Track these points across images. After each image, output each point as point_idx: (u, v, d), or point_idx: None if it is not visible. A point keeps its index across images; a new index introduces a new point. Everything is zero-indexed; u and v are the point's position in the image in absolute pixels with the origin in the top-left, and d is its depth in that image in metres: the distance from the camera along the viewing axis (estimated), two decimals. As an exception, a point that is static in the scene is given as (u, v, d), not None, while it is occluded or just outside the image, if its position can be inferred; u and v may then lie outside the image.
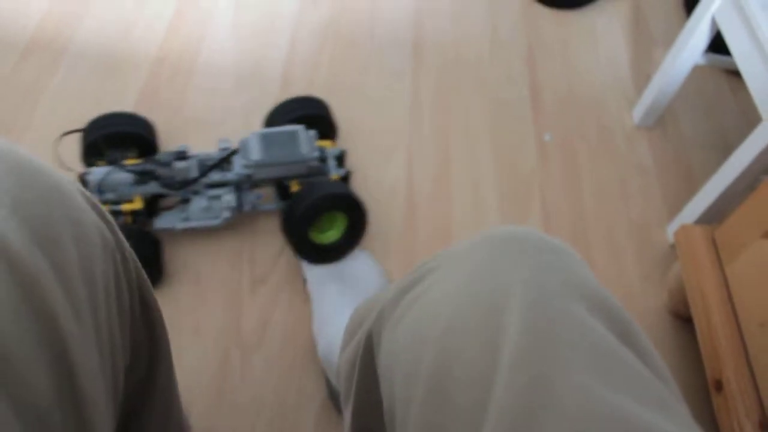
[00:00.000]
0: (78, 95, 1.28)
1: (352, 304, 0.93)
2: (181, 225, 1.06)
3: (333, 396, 0.95)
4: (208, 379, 0.97)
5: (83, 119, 1.08)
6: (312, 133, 1.09)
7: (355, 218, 1.05)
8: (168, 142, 1.22)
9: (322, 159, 1.10)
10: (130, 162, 1.06)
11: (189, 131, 1.25)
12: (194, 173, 1.05)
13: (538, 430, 0.35)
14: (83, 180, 1.04)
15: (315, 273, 1.04)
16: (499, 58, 1.49)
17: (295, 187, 1.07)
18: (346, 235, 1.06)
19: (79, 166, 1.08)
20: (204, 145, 1.22)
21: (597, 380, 0.37)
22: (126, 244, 0.47)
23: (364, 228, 1.06)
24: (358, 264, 1.06)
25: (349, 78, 1.40)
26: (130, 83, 1.31)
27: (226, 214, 1.06)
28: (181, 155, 1.06)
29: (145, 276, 0.51)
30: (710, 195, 1.11)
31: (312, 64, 1.40)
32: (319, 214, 1.01)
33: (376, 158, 1.26)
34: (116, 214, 1.03)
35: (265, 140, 1.06)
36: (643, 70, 1.52)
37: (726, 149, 1.13)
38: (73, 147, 1.09)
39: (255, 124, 1.27)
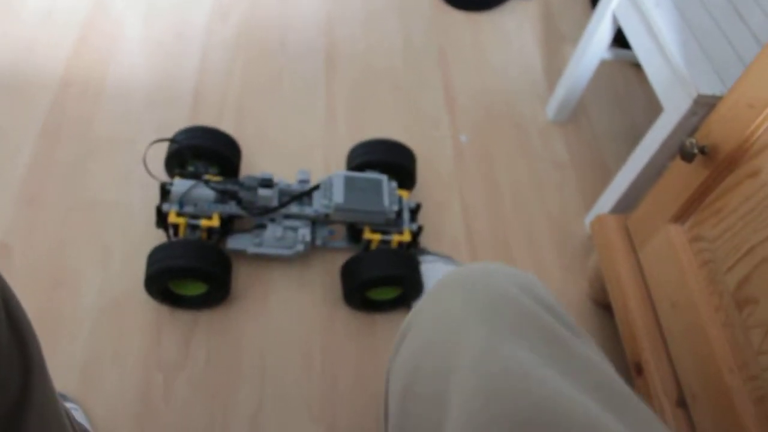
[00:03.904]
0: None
1: None
2: (253, 249, 1.06)
3: None
4: (131, 405, 0.94)
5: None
6: (394, 185, 1.10)
7: (408, 293, 1.06)
8: (75, 166, 1.18)
9: (398, 211, 1.10)
10: (211, 178, 1.05)
11: (98, 153, 1.21)
12: (275, 202, 1.05)
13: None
14: (165, 190, 1.03)
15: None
16: (412, 62, 1.51)
17: (367, 234, 1.08)
18: (396, 299, 1.07)
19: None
20: (110, 168, 1.19)
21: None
22: None
23: (416, 298, 1.08)
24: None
25: (262, 90, 1.38)
26: (36, 106, 1.26)
27: (300, 248, 1.06)
28: (267, 183, 1.05)
29: (11, 290, 0.48)
30: (622, 185, 1.14)
31: (224, 78, 1.38)
32: (379, 285, 1.03)
33: (290, 169, 1.25)
34: (194, 228, 1.03)
35: (349, 184, 1.06)
36: (554, 67, 1.55)
37: (637, 140, 1.16)
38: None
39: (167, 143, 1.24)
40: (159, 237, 1.11)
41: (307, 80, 1.42)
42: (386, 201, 1.06)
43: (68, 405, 0.90)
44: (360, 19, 1.58)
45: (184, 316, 1.04)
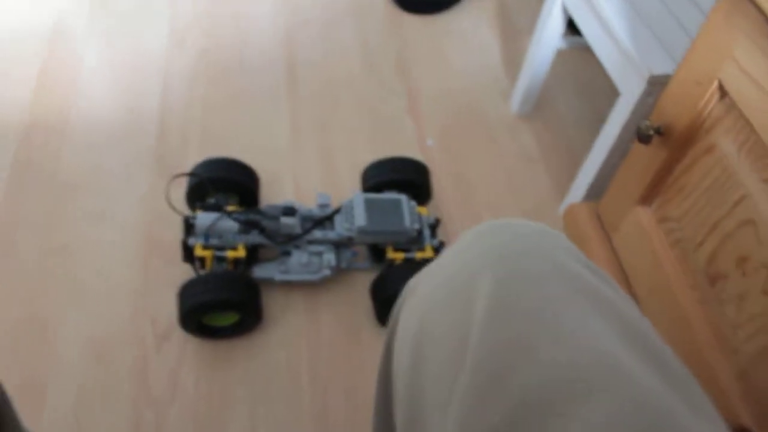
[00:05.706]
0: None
1: None
2: (280, 277, 1.07)
3: None
4: (123, 448, 0.94)
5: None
6: (413, 204, 1.11)
7: None
8: (46, 205, 1.17)
9: (419, 228, 1.10)
10: (232, 209, 1.06)
11: (67, 196, 1.20)
12: (298, 229, 1.06)
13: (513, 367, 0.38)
14: (189, 224, 1.03)
15: None
16: (371, 69, 1.51)
17: (390, 253, 1.08)
18: None
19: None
20: (82, 211, 1.18)
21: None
22: None
23: None
24: None
25: (225, 111, 1.38)
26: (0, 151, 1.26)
27: (326, 272, 1.08)
28: (289, 211, 1.06)
29: None
30: (590, 172, 1.15)
31: (187, 105, 1.38)
32: None
33: (262, 186, 1.25)
34: (221, 260, 1.03)
35: (370, 206, 1.08)
36: (514, 61, 1.56)
37: (602, 126, 1.17)
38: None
39: (137, 176, 1.23)
40: (138, 275, 1.11)
41: (269, 95, 1.42)
42: (407, 220, 1.07)
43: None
44: (317, 29, 1.58)
45: (170, 349, 1.03)
